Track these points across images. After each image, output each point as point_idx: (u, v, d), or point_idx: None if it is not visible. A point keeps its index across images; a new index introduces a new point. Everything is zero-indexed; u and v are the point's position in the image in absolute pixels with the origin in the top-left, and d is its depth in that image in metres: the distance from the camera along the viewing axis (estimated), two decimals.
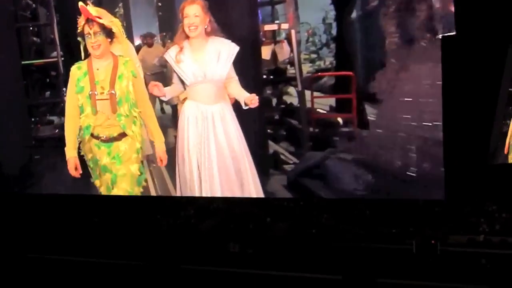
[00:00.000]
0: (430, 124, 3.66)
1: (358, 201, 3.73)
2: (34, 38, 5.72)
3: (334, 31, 3.98)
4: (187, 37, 4.31)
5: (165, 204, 4.53)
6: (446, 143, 3.56)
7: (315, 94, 4.35)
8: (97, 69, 4.48)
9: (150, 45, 5.52)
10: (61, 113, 4.98)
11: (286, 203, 4.06)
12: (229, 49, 4.31)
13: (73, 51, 4.66)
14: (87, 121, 4.40)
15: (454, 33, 3.55)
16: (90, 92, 4.42)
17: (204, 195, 4.05)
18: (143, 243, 4.28)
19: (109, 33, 4.43)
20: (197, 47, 4.34)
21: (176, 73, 4.36)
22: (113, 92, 4.47)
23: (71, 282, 4.03)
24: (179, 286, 3.92)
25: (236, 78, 4.33)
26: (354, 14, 3.90)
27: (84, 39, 4.40)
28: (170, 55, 4.40)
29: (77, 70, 4.50)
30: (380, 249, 3.87)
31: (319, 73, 4.44)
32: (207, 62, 4.31)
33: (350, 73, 4.07)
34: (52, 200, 4.80)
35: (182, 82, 4.36)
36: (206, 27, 4.25)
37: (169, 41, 5.11)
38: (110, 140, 4.34)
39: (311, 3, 3.84)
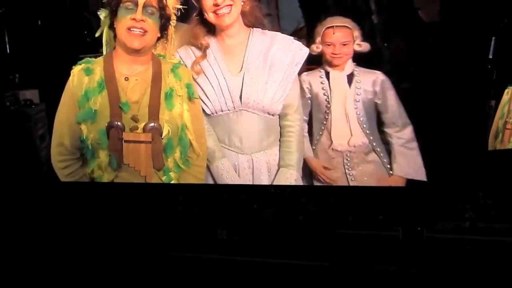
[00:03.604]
0: None
1: (345, 188, 3.72)
2: None
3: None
4: (209, 30, 3.20)
5: (152, 191, 4.25)
6: (433, 129, 3.56)
7: None
8: (126, 79, 2.87)
9: None
10: None
11: (273, 189, 4.04)
12: (292, 52, 3.28)
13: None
14: (98, 174, 3.05)
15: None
16: (110, 124, 2.86)
17: None
18: (129, 230, 4.25)
19: (166, 21, 2.98)
20: (230, 47, 3.25)
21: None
22: (154, 125, 2.88)
23: (55, 269, 4.00)
24: (165, 273, 3.90)
25: (297, 105, 3.31)
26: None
27: (113, 12, 2.88)
28: (183, 62, 3.19)
29: (83, 76, 2.88)
30: (367, 236, 3.87)
31: None
32: (249, 73, 3.20)
33: None
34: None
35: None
36: (243, 3, 3.11)
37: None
38: None
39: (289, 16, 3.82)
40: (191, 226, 4.18)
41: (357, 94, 3.51)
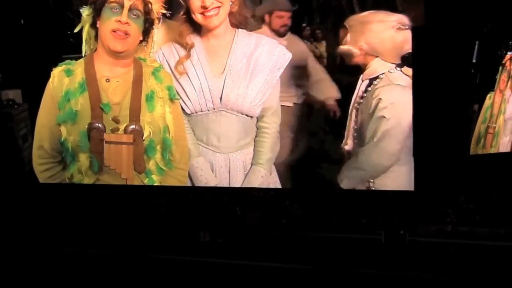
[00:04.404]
0: None
1: (328, 191, 3.73)
2: None
3: None
4: (195, 29, 3.21)
5: (135, 193, 4.26)
6: (415, 133, 3.56)
7: None
8: (107, 80, 2.88)
9: None
10: None
11: (256, 192, 4.04)
12: (275, 57, 3.29)
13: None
14: (78, 178, 3.00)
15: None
16: (91, 125, 2.86)
17: None
18: (112, 232, 4.22)
19: (149, 25, 2.99)
20: (215, 48, 3.26)
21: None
22: (136, 127, 2.88)
23: (37, 271, 3.96)
24: (148, 275, 3.88)
25: (276, 108, 3.37)
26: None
27: (97, 11, 2.87)
28: (166, 60, 3.23)
29: (64, 77, 2.89)
30: (350, 239, 3.88)
31: None
32: (231, 76, 3.24)
33: None
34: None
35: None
36: (231, 3, 3.13)
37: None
38: None
39: None
40: (174, 229, 4.17)
41: (360, 101, 3.42)
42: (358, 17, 3.38)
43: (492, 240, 3.70)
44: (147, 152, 2.95)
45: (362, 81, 3.42)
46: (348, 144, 3.52)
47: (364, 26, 3.32)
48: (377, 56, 3.35)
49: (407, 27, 3.29)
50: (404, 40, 3.30)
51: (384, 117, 3.30)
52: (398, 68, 3.34)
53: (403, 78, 3.35)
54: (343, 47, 3.38)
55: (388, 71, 3.34)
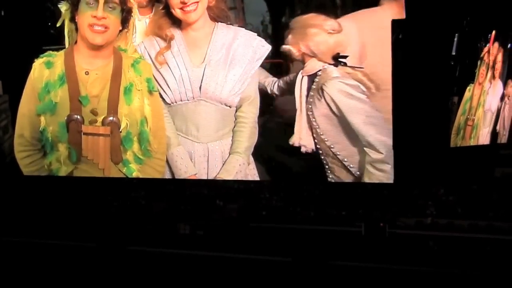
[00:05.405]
0: None
1: (308, 184, 3.74)
2: None
3: (269, 30, 4.02)
4: (175, 22, 3.31)
5: (116, 186, 4.24)
6: (395, 126, 3.56)
7: None
8: (86, 73, 2.95)
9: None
10: None
11: (237, 185, 4.04)
12: (253, 48, 3.41)
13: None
14: (56, 166, 3.09)
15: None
16: (70, 117, 2.94)
17: None
18: (93, 224, 4.21)
19: (127, 14, 3.04)
20: (194, 39, 3.38)
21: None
22: (113, 119, 2.96)
23: (18, 263, 3.94)
24: (129, 267, 3.87)
25: (253, 98, 3.43)
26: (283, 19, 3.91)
27: (74, 5, 2.95)
28: (147, 52, 3.31)
29: (44, 69, 2.99)
30: (330, 231, 3.89)
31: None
32: (210, 66, 3.33)
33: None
34: None
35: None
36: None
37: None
38: None
39: (254, 10, 3.87)
40: (154, 221, 4.16)
41: (310, 99, 3.46)
42: (300, 19, 3.46)
43: (471, 232, 3.72)
44: (124, 144, 3.04)
45: (302, 76, 3.48)
46: (302, 140, 3.53)
47: (303, 29, 3.41)
48: (313, 57, 3.44)
49: (337, 31, 3.38)
50: (335, 43, 3.40)
51: (360, 114, 3.40)
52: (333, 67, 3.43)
53: (337, 70, 3.43)
54: (284, 47, 3.45)
55: (323, 67, 3.43)
